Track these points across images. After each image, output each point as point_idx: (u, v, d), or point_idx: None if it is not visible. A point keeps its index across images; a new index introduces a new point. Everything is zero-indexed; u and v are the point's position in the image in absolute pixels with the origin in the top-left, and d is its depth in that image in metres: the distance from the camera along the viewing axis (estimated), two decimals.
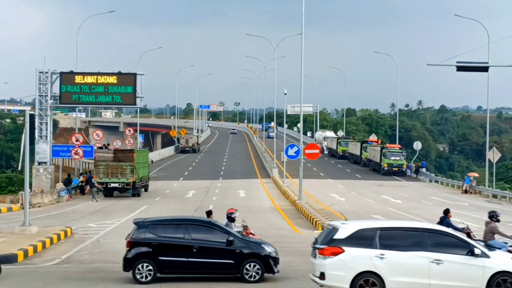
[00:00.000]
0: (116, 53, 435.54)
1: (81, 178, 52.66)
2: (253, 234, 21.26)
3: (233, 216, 21.81)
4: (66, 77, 50.36)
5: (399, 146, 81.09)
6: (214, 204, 43.87)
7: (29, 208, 30.14)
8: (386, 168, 74.01)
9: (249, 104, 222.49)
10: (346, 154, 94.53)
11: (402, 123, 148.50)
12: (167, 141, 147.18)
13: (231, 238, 18.94)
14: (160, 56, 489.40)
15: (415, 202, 48.28)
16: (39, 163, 49.97)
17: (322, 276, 16.07)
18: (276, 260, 19.33)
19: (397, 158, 74.86)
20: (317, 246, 16.41)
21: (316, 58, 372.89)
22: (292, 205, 42.89)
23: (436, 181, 70.52)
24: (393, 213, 39.52)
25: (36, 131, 49.61)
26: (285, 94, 66.97)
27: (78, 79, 50.33)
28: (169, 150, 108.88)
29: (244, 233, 20.67)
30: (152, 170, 67.88)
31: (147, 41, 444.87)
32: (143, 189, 51.60)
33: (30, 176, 41.40)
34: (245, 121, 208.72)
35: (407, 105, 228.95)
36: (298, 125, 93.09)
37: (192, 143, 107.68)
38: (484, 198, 54.31)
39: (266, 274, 19.06)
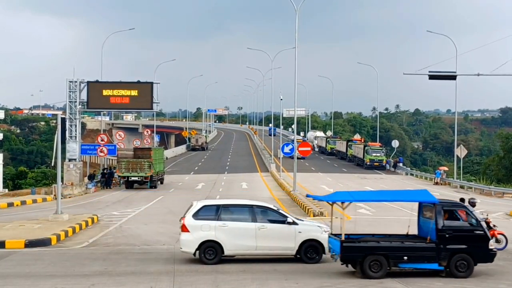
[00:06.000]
0: (135, 65, 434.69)
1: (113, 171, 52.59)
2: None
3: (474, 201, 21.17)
4: (92, 85, 50.31)
5: (379, 144, 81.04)
6: (220, 194, 43.86)
7: (61, 198, 30.14)
8: (368, 163, 73.97)
9: (250, 108, 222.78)
10: (334, 151, 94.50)
11: (382, 124, 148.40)
12: (180, 141, 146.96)
13: None
14: (173, 67, 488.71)
15: None
16: (70, 160, 49.96)
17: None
18: None
19: (378, 154, 74.82)
20: None
21: (308, 68, 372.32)
22: (287, 195, 42.87)
23: (412, 174, 70.47)
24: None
25: (67, 132, 49.57)
26: (281, 99, 67.17)
27: (102, 87, 50.32)
28: (182, 148, 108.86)
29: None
30: (167, 165, 67.81)
31: (162, 54, 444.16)
32: (159, 182, 51.61)
33: (62, 171, 41.38)
34: (247, 123, 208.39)
35: (386, 109, 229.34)
36: (293, 126, 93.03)
37: (201, 142, 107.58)
38: (452, 189, 54.24)
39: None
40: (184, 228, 18.64)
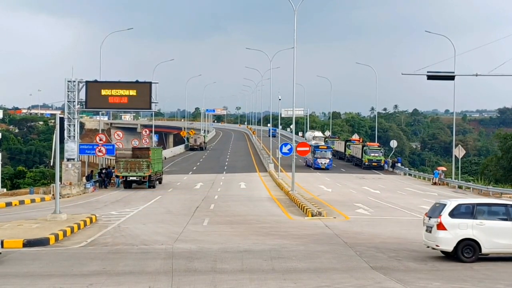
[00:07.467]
0: (134, 65, 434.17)
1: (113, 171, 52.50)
2: None
3: None
4: (91, 85, 50.31)
5: (378, 144, 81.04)
6: (218, 194, 43.83)
7: (60, 198, 30.10)
8: (366, 163, 73.98)
9: (249, 108, 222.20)
10: (332, 151, 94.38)
11: (380, 125, 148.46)
12: (178, 140, 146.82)
13: None
14: (172, 67, 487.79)
15: (392, 192, 48.25)
16: (68, 160, 49.95)
17: None
18: None
19: (376, 154, 74.84)
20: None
21: (306, 68, 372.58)
22: (286, 195, 42.84)
23: (410, 174, 70.50)
24: (373, 201, 39.48)
25: (65, 132, 49.47)
26: (280, 99, 67.10)
27: (101, 86, 50.29)
28: (180, 148, 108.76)
29: None
30: (165, 165, 67.80)
31: (161, 54, 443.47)
32: (157, 182, 51.57)
33: (60, 171, 41.31)
34: (245, 123, 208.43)
35: (384, 109, 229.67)
36: (291, 126, 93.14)
37: (199, 142, 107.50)
38: (451, 189, 54.27)
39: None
40: (441, 226, 18.92)
